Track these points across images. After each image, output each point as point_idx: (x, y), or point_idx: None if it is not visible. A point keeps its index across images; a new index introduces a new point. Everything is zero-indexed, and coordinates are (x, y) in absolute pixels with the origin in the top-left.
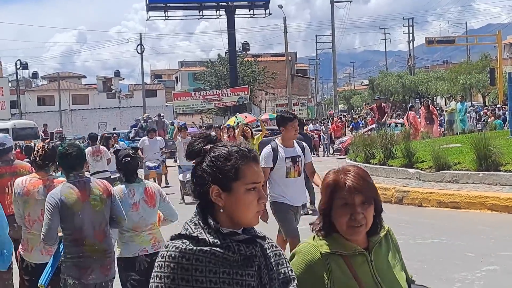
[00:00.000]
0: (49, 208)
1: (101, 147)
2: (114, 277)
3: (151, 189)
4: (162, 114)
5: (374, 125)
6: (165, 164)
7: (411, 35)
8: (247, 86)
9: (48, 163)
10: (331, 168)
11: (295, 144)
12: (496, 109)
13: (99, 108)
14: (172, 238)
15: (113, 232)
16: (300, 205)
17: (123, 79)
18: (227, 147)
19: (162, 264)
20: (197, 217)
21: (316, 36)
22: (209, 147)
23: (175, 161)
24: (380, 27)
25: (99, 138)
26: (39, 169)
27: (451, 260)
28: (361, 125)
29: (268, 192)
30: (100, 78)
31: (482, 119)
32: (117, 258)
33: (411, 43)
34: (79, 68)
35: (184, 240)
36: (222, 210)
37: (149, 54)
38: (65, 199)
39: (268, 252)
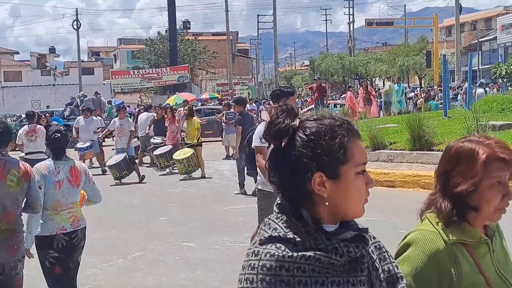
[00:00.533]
0: None
1: (38, 126)
2: (23, 257)
3: (76, 168)
4: (99, 92)
5: (313, 106)
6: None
7: (351, 16)
8: (187, 65)
9: None
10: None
11: None
12: (429, 90)
13: (32, 86)
14: (262, 243)
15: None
16: None
17: (59, 56)
18: (324, 121)
19: (253, 278)
20: (283, 213)
21: (258, 15)
22: (297, 122)
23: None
24: (322, 8)
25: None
26: None
27: (383, 238)
28: (299, 106)
29: (259, 178)
30: (34, 55)
31: (412, 101)
32: (35, 236)
33: (351, 25)
34: (12, 44)
35: (278, 245)
36: (327, 203)
37: (86, 30)
38: None
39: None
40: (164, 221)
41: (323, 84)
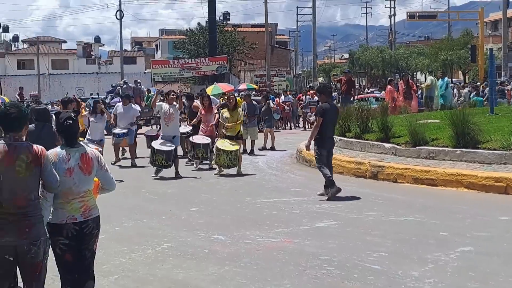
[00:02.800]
0: None
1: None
2: (38, 240)
3: (88, 155)
4: (139, 81)
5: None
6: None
7: (392, 9)
8: (226, 55)
9: None
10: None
11: None
12: (473, 85)
13: (77, 73)
14: None
15: (49, 196)
16: None
17: (103, 45)
18: None
19: None
20: None
21: (297, 8)
22: None
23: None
24: (362, 0)
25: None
26: None
27: (424, 239)
28: (334, 99)
29: None
30: (80, 44)
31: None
32: (46, 222)
33: (392, 18)
34: (60, 33)
35: None
36: None
37: (130, 21)
38: None
39: None
40: (195, 212)
41: (352, 78)
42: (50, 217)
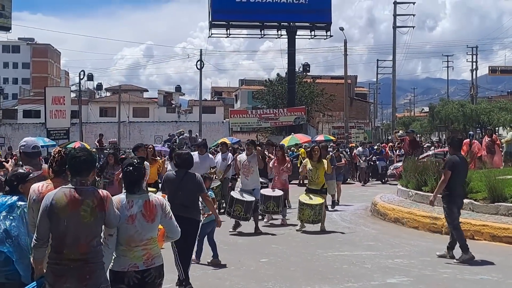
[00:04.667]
0: (40, 210)
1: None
2: (98, 287)
3: (152, 202)
4: (195, 134)
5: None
6: None
7: (474, 63)
8: (304, 106)
9: (65, 169)
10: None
11: None
12: None
13: (156, 122)
14: None
15: (111, 243)
16: None
17: (184, 94)
18: None
19: None
20: None
21: (378, 60)
22: None
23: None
24: (443, 54)
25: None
26: (55, 176)
27: None
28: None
29: None
30: (161, 93)
31: None
32: (109, 269)
33: (474, 72)
34: (143, 82)
35: None
36: None
37: (211, 71)
38: (55, 203)
39: None
40: (265, 263)
41: (417, 139)
42: (112, 264)
